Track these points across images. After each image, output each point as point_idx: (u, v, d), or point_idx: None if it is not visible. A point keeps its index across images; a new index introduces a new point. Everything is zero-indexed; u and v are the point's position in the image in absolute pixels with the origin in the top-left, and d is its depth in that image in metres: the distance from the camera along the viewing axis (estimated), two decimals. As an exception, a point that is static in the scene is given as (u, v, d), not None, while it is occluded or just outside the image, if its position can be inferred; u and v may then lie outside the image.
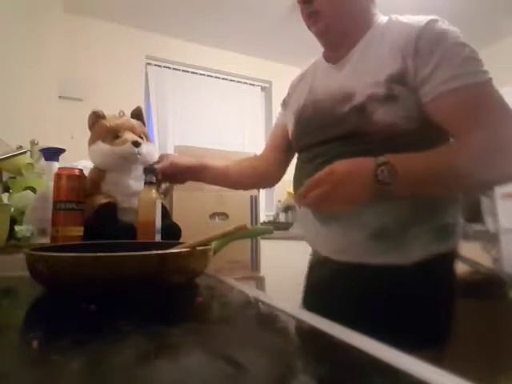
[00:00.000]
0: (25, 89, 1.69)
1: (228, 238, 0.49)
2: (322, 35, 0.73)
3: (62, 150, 0.90)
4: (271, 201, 2.87)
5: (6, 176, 1.00)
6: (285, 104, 0.93)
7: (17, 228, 0.75)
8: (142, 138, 0.84)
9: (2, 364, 0.21)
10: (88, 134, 0.84)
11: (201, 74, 3.12)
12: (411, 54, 0.60)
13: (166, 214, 0.81)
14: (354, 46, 0.70)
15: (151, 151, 0.85)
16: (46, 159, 0.88)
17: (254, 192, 1.72)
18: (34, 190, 0.89)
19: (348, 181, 0.54)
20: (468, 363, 1.00)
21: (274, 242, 1.99)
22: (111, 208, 0.78)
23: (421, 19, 0.63)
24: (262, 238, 2.03)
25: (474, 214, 2.58)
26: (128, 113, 0.90)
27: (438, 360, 0.62)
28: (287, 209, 2.55)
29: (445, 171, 0.56)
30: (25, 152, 0.95)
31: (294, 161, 0.86)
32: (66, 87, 2.46)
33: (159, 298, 0.36)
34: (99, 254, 0.35)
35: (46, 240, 0.74)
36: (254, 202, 1.85)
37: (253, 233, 0.87)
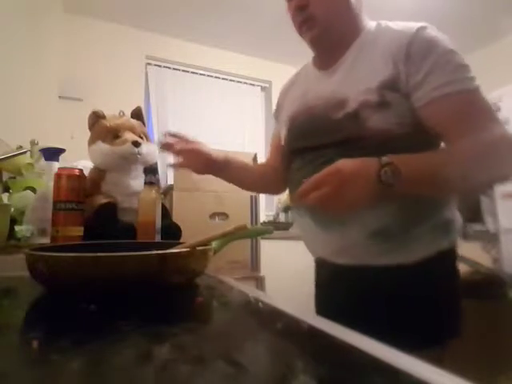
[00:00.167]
0: (25, 89, 1.69)
1: (228, 237, 0.49)
2: (316, 41, 0.73)
3: (61, 150, 0.90)
4: (271, 201, 2.87)
5: (6, 176, 1.00)
6: (276, 113, 0.93)
7: (17, 228, 0.75)
8: (141, 137, 0.84)
9: (2, 364, 0.21)
10: (88, 133, 0.84)
11: (201, 74, 3.12)
12: (403, 60, 0.61)
13: (166, 213, 0.81)
14: (345, 51, 0.70)
15: (151, 151, 0.85)
16: (46, 159, 0.88)
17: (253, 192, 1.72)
18: (34, 190, 0.89)
19: (351, 182, 0.53)
20: (468, 363, 1.00)
21: (274, 241, 1.99)
22: (111, 208, 0.78)
23: (411, 26, 0.64)
24: (262, 238, 2.03)
25: (474, 214, 2.58)
26: (128, 113, 0.90)
27: (447, 355, 0.63)
28: (287, 209, 2.55)
29: (445, 172, 0.56)
30: (25, 152, 0.95)
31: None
32: (66, 87, 2.45)
33: (159, 298, 0.36)
34: (99, 254, 0.35)
35: (46, 240, 0.74)
36: (254, 202, 1.85)
37: (253, 233, 0.87)
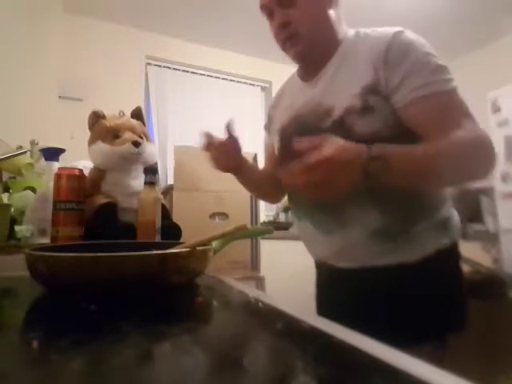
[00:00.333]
0: (25, 89, 1.69)
1: (228, 237, 0.49)
2: (300, 57, 0.75)
3: (61, 150, 0.90)
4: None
5: (5, 176, 1.00)
6: (268, 125, 0.94)
7: (17, 228, 0.75)
8: (141, 137, 0.84)
9: (2, 364, 0.21)
10: (88, 133, 0.84)
11: (201, 74, 3.12)
12: (382, 65, 0.63)
13: (166, 214, 0.81)
14: (327, 62, 0.72)
15: (151, 151, 0.85)
16: (46, 159, 0.88)
17: (253, 192, 1.72)
18: (34, 190, 0.89)
19: (339, 171, 0.54)
20: (468, 363, 1.00)
21: (273, 241, 1.99)
22: (111, 208, 0.78)
23: (388, 31, 0.65)
24: (262, 238, 2.03)
25: (474, 214, 2.58)
26: (128, 113, 0.90)
27: (447, 355, 0.65)
28: (287, 209, 2.55)
29: (433, 165, 0.58)
30: (25, 152, 0.95)
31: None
32: (66, 87, 2.45)
33: (159, 298, 0.36)
34: (99, 254, 0.35)
35: (46, 240, 0.74)
36: (254, 202, 1.85)
37: (253, 233, 0.87)
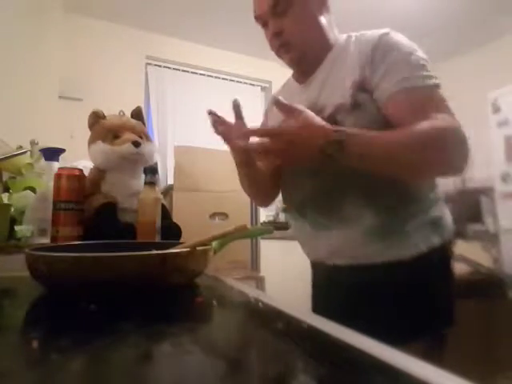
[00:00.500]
0: (25, 89, 1.69)
1: (228, 237, 0.49)
2: (294, 64, 0.79)
3: (61, 150, 0.90)
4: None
5: (6, 176, 1.00)
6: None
7: (17, 228, 0.75)
8: (141, 137, 0.84)
9: (2, 364, 0.21)
10: (88, 133, 0.84)
11: (201, 74, 3.12)
12: (368, 64, 0.67)
13: (166, 213, 0.81)
14: (320, 65, 0.77)
15: (151, 151, 0.85)
16: (46, 159, 0.88)
17: (253, 192, 1.72)
18: (33, 190, 0.89)
19: (298, 146, 0.59)
20: (468, 363, 1.00)
21: (273, 241, 1.99)
22: (111, 208, 0.78)
23: (375, 33, 0.69)
24: (262, 238, 2.03)
25: (474, 214, 2.57)
26: (128, 113, 0.90)
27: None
28: (286, 209, 2.55)
29: (392, 152, 0.59)
30: (25, 152, 0.95)
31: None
32: (66, 87, 2.46)
33: (159, 298, 0.36)
34: (99, 254, 0.35)
35: (46, 240, 0.74)
36: (254, 202, 1.85)
37: (253, 233, 0.87)
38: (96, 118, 0.83)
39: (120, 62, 2.74)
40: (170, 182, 2.12)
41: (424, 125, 0.59)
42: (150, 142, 0.88)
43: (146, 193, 0.75)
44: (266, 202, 0.99)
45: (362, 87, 0.67)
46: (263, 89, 3.40)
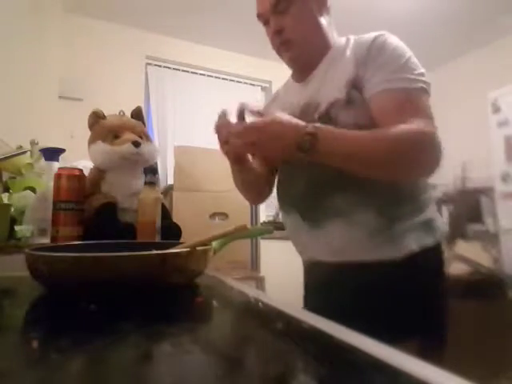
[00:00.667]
0: (25, 89, 1.69)
1: (228, 237, 0.49)
2: (294, 62, 0.81)
3: (61, 150, 0.90)
4: (271, 201, 2.87)
5: (6, 176, 1.00)
6: None
7: (17, 228, 0.75)
8: (141, 137, 0.84)
9: (2, 364, 0.21)
10: (88, 133, 0.84)
11: (201, 74, 3.12)
12: (362, 63, 0.69)
13: (166, 213, 0.81)
14: (318, 65, 0.78)
15: (151, 151, 0.85)
16: (46, 159, 0.88)
17: (253, 192, 1.72)
18: (33, 190, 0.89)
19: (272, 141, 0.62)
20: (468, 363, 1.00)
21: (273, 241, 1.99)
22: (111, 208, 0.78)
23: (371, 35, 0.71)
24: (262, 238, 2.03)
25: (474, 214, 2.57)
26: (128, 113, 0.90)
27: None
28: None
29: (364, 150, 0.62)
30: (25, 152, 0.95)
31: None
32: (65, 87, 2.45)
33: (159, 298, 0.36)
34: (99, 254, 0.35)
35: (46, 240, 0.74)
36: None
37: (253, 233, 0.87)
38: (96, 118, 0.83)
39: (120, 61, 2.74)
40: (170, 182, 2.13)
41: (397, 128, 0.61)
42: (150, 142, 0.88)
43: (146, 193, 0.75)
44: (258, 200, 1.01)
45: (354, 85, 0.69)
46: (263, 89, 3.40)
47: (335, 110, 0.69)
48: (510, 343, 1.62)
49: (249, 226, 0.46)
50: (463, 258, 2.08)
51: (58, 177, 0.73)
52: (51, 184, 0.74)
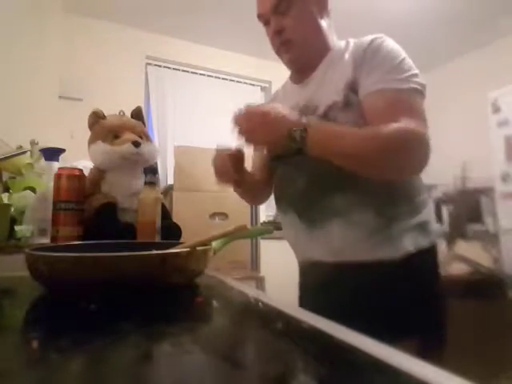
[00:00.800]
0: (25, 89, 1.69)
1: (228, 237, 0.49)
2: (293, 63, 0.81)
3: (61, 150, 0.90)
4: (271, 201, 2.87)
5: (6, 176, 1.00)
6: None
7: (17, 228, 0.75)
8: (141, 137, 0.84)
9: (2, 364, 0.21)
10: (88, 133, 0.84)
11: (201, 74, 3.11)
12: (359, 65, 0.70)
13: (166, 214, 0.81)
14: (317, 67, 0.79)
15: (151, 151, 0.85)
16: (46, 159, 0.88)
17: (253, 192, 1.72)
18: (33, 190, 0.88)
19: (266, 129, 0.66)
20: (468, 363, 1.00)
21: (273, 242, 1.99)
22: (111, 208, 0.78)
23: (369, 37, 0.72)
24: (262, 238, 2.04)
25: (474, 214, 2.57)
26: (128, 113, 0.90)
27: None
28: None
29: (354, 148, 0.63)
30: (25, 152, 0.95)
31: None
32: (65, 87, 2.45)
33: (159, 298, 0.36)
34: (99, 254, 0.35)
35: (46, 240, 0.74)
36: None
37: (253, 233, 0.87)
38: (96, 118, 0.83)
39: (120, 62, 2.74)
40: (170, 181, 2.13)
41: (388, 126, 0.61)
42: (150, 142, 0.88)
43: (146, 193, 0.75)
44: (258, 202, 1.05)
45: (352, 88, 0.69)
46: (263, 89, 3.40)
47: (333, 112, 0.70)
48: (510, 343, 1.62)
49: (249, 226, 0.46)
50: (463, 258, 2.08)
51: (57, 177, 0.73)
52: (51, 184, 0.74)
